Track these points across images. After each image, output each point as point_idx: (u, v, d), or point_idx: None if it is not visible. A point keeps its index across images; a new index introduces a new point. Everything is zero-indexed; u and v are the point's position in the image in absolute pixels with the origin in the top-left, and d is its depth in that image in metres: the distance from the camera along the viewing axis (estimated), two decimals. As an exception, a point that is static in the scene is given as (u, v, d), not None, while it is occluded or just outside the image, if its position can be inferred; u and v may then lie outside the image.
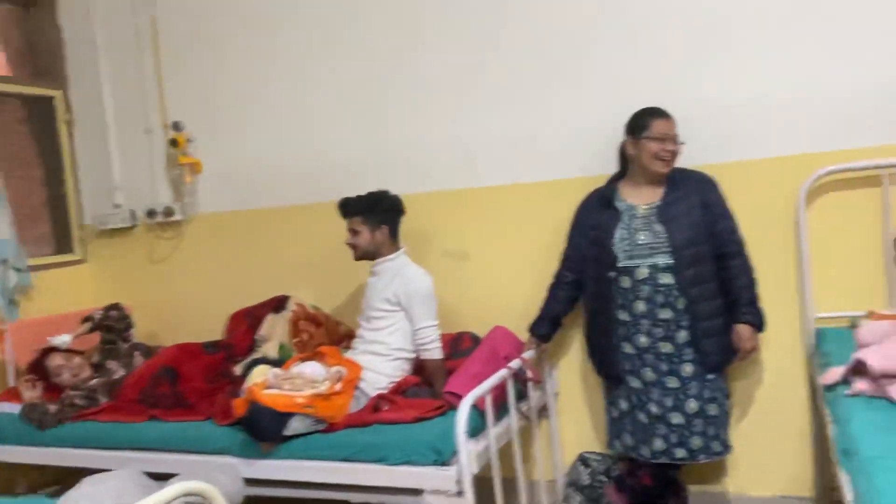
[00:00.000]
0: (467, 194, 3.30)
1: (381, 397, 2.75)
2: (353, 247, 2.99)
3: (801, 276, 2.80)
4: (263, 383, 2.66)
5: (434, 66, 3.31)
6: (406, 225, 3.05)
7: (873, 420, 1.85)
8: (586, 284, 2.86)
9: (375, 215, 2.95)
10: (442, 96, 3.31)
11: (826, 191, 2.78)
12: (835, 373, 2.18)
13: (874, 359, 2.03)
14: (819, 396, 2.48)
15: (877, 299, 2.72)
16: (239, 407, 2.64)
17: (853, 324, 2.65)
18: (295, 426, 2.58)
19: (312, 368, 2.78)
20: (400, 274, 2.93)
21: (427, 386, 2.85)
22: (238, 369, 3.18)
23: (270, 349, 3.22)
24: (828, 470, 2.73)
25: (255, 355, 3.21)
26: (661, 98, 2.78)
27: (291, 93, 3.62)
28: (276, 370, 2.77)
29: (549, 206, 3.11)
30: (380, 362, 2.88)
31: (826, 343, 2.56)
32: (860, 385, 2.05)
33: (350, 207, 2.99)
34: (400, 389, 2.82)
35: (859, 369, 2.07)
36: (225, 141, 3.79)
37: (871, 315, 2.60)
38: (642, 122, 2.70)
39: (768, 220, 2.83)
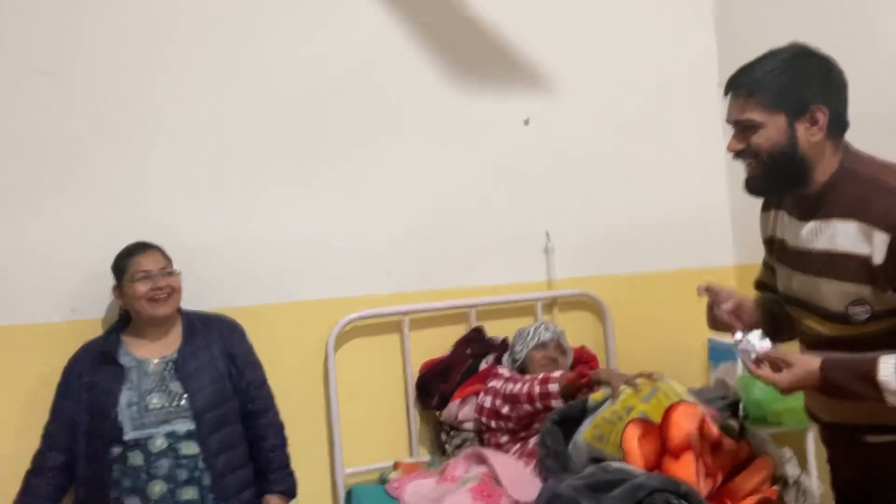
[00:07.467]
0: None
1: None
2: None
3: (331, 429, 2.60)
4: None
5: None
6: None
7: None
8: (78, 467, 2.17)
9: None
10: None
11: (351, 337, 2.67)
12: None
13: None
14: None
15: (400, 448, 2.69)
16: None
17: (382, 478, 2.57)
18: None
19: None
20: None
21: None
22: None
23: None
24: None
25: None
26: (172, 232, 2.39)
27: None
28: None
29: (24, 361, 2.32)
30: None
31: (360, 508, 2.38)
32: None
33: None
34: None
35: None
36: None
37: (397, 466, 2.57)
38: (122, 265, 2.27)
39: (297, 370, 2.59)
